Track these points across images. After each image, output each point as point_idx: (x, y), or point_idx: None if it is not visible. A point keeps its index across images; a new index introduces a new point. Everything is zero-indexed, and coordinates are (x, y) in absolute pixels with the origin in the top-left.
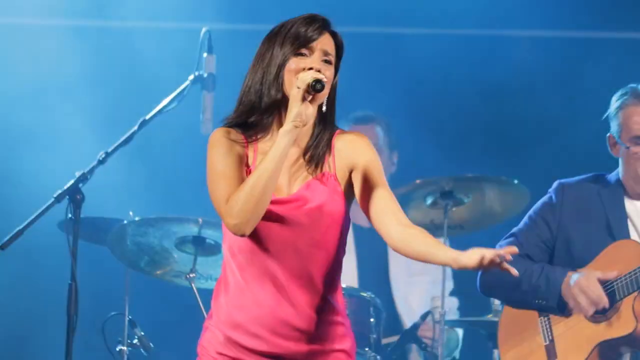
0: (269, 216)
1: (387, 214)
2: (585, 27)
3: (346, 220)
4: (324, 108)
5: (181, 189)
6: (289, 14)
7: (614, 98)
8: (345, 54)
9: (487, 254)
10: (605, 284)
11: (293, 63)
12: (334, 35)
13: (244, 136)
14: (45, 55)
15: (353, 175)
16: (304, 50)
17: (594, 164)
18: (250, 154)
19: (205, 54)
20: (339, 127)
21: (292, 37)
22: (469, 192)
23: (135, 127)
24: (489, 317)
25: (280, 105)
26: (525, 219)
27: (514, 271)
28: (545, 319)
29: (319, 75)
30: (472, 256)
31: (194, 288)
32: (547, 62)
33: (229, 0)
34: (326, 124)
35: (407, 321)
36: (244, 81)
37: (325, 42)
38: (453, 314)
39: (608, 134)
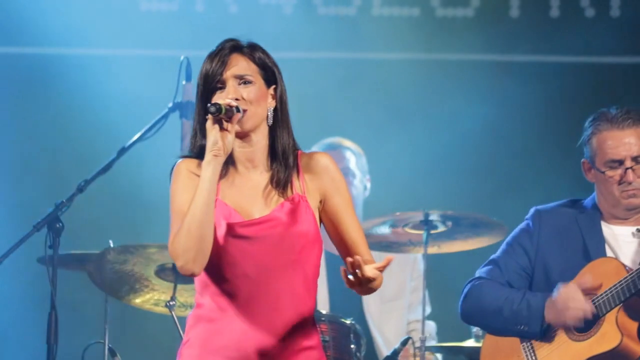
0: (243, 239)
1: (354, 249)
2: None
3: (319, 242)
4: (269, 122)
5: (161, 216)
6: (267, 40)
7: (587, 124)
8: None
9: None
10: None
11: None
12: (246, 52)
13: None
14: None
15: (323, 202)
16: (218, 85)
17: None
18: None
19: (183, 82)
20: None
21: (202, 80)
22: (448, 222)
23: (115, 155)
24: (470, 342)
25: None
26: (504, 245)
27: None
28: (528, 344)
29: (215, 100)
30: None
31: (174, 316)
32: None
33: (208, 27)
34: (279, 141)
35: (383, 348)
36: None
37: (235, 67)
38: (432, 339)
39: (582, 160)
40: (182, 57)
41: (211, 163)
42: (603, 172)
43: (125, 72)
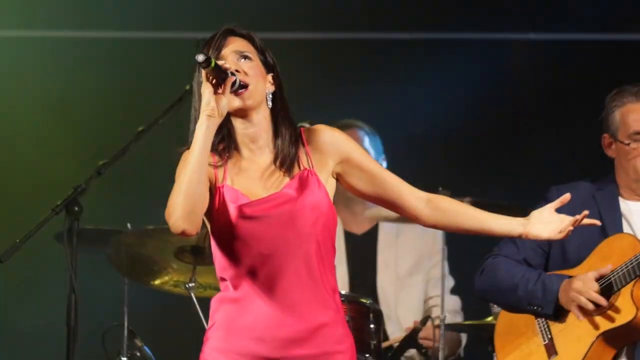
0: (254, 219)
1: (404, 200)
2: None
3: (332, 214)
4: (269, 104)
5: None
6: (288, 20)
7: (609, 98)
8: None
9: (563, 225)
10: (601, 279)
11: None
12: (245, 36)
13: (213, 157)
14: (39, 68)
15: (343, 170)
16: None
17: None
18: (220, 174)
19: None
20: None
21: (198, 71)
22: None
23: (132, 138)
24: (489, 320)
25: (222, 125)
26: None
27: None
28: (543, 320)
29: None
30: (545, 228)
31: (194, 297)
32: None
33: (228, 9)
34: (281, 123)
35: (393, 327)
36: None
37: (233, 44)
38: (457, 314)
39: (603, 135)
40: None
41: (204, 123)
42: (628, 144)
43: (142, 55)
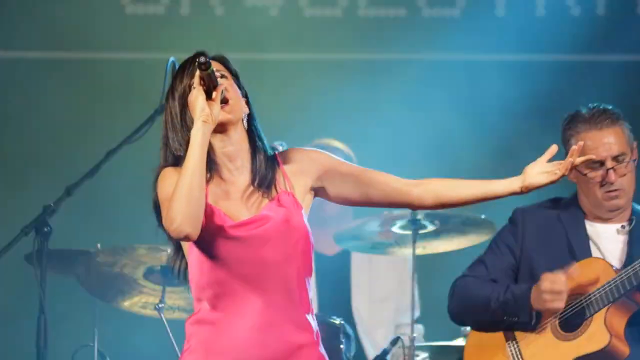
0: (236, 240)
1: (393, 187)
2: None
3: (309, 236)
4: (245, 125)
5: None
6: (253, 42)
7: (564, 124)
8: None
9: (557, 167)
10: (574, 304)
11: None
12: (219, 59)
13: None
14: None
15: (325, 183)
16: (193, 81)
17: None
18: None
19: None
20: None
21: (178, 82)
22: (436, 221)
23: (102, 158)
24: (459, 341)
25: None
26: (490, 245)
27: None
28: (514, 343)
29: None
30: (541, 176)
31: (163, 318)
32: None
33: (194, 30)
34: (256, 144)
35: (371, 349)
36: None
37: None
38: (419, 341)
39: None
40: (169, 60)
41: (201, 129)
42: (585, 174)
43: (111, 75)
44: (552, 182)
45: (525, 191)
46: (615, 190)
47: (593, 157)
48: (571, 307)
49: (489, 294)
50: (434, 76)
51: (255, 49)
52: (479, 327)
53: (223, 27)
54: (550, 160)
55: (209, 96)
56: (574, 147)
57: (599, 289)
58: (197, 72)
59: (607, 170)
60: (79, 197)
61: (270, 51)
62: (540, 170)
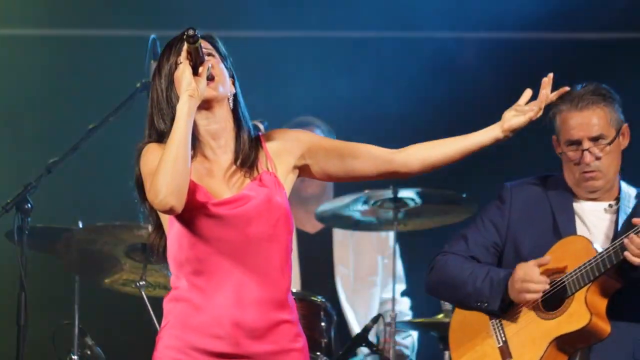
0: (217, 218)
1: (377, 156)
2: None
3: (290, 215)
4: (230, 105)
5: (129, 196)
6: (237, 19)
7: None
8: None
9: (536, 105)
10: (556, 282)
11: (176, 73)
12: (207, 38)
13: None
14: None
15: (308, 161)
16: (180, 58)
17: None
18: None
19: (152, 62)
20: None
21: (165, 59)
22: (417, 200)
23: (83, 135)
24: (440, 317)
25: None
26: (474, 220)
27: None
28: (497, 321)
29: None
30: (521, 116)
31: (144, 296)
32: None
33: (177, 7)
34: (241, 123)
35: (355, 326)
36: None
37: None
38: (405, 315)
39: (553, 136)
40: (150, 37)
41: (187, 103)
42: (564, 152)
43: (92, 53)
44: (531, 119)
45: (507, 134)
46: (592, 171)
47: (567, 88)
48: (553, 285)
49: (466, 276)
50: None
51: (240, 25)
52: (452, 303)
53: (206, 4)
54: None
55: (195, 72)
56: (544, 78)
57: (580, 267)
58: (185, 46)
59: (583, 151)
60: (60, 175)
61: (256, 28)
62: (517, 112)
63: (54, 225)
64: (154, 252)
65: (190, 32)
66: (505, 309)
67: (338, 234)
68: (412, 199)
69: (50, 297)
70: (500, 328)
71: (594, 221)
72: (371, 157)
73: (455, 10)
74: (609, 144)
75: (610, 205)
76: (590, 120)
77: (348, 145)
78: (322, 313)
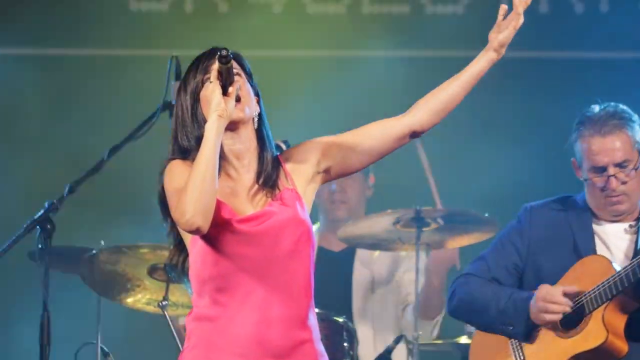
0: (241, 235)
1: (388, 127)
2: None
3: (312, 232)
4: (255, 124)
5: (152, 216)
6: (256, 39)
7: (576, 122)
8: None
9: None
10: (573, 299)
11: (204, 95)
12: (235, 57)
13: None
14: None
15: (329, 162)
16: (207, 77)
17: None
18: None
19: (173, 81)
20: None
21: (191, 77)
22: (439, 219)
23: (105, 155)
24: (462, 339)
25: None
26: (495, 242)
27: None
28: (515, 340)
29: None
30: (506, 30)
31: (167, 315)
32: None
33: (198, 27)
34: (265, 144)
35: (371, 345)
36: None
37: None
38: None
39: (572, 159)
40: (171, 56)
41: (215, 123)
42: (588, 178)
43: (114, 72)
44: (516, 28)
45: (500, 51)
46: (617, 196)
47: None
48: (573, 303)
49: (489, 299)
50: (437, 73)
51: (258, 45)
52: (476, 326)
53: (226, 24)
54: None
55: (224, 91)
56: None
57: (597, 286)
58: (216, 65)
59: (609, 177)
60: (82, 194)
61: (273, 48)
62: (501, 29)
63: (77, 245)
64: (174, 268)
65: (224, 52)
66: (529, 332)
67: (359, 254)
68: (434, 219)
69: (72, 317)
70: (519, 348)
71: (614, 242)
72: (384, 132)
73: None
74: (635, 168)
75: (630, 226)
76: (615, 146)
77: (359, 132)
78: (344, 333)
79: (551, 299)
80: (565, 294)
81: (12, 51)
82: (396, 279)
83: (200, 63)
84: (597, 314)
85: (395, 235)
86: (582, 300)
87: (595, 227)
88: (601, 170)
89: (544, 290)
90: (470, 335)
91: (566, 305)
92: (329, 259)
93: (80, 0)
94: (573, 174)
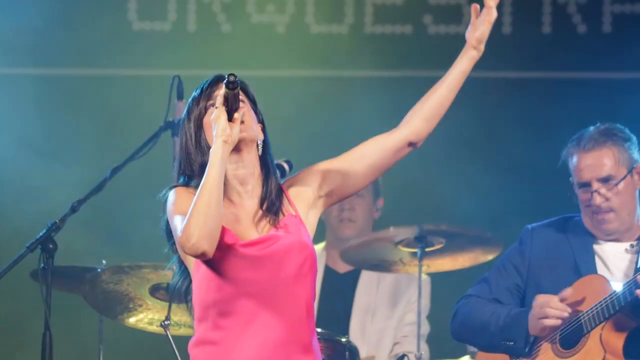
0: (245, 259)
1: (385, 142)
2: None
3: (316, 258)
4: (259, 150)
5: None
6: (260, 59)
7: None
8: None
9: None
10: (572, 320)
11: (207, 120)
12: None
13: None
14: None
15: (330, 186)
16: (210, 103)
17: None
18: None
19: (175, 100)
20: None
21: (195, 104)
22: (442, 239)
23: (107, 175)
24: (464, 359)
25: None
26: (497, 264)
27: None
28: (517, 359)
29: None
30: (481, 27)
31: (169, 335)
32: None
33: (200, 47)
34: (269, 170)
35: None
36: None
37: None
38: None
39: (570, 178)
40: (173, 75)
41: (220, 148)
42: (577, 195)
43: (117, 92)
44: (491, 22)
45: (479, 47)
46: (605, 213)
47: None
48: (570, 324)
49: (488, 317)
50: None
51: (262, 65)
52: (479, 347)
53: (229, 44)
54: None
55: (229, 117)
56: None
57: (595, 305)
58: (223, 91)
59: (592, 193)
60: (84, 214)
61: (276, 68)
62: (476, 27)
63: (79, 265)
64: (177, 295)
65: (232, 78)
66: (530, 348)
67: (365, 278)
68: (437, 239)
69: (74, 337)
70: None
71: (614, 262)
72: (381, 148)
73: None
74: (617, 184)
75: (632, 246)
76: (599, 162)
77: (355, 152)
78: (346, 353)
79: (548, 305)
80: (562, 300)
81: (12, 71)
82: (397, 312)
83: (204, 90)
84: (595, 334)
85: (397, 256)
86: (581, 320)
87: (595, 247)
88: (586, 185)
89: (541, 298)
90: (473, 355)
91: (564, 310)
92: (333, 280)
93: (82, 20)
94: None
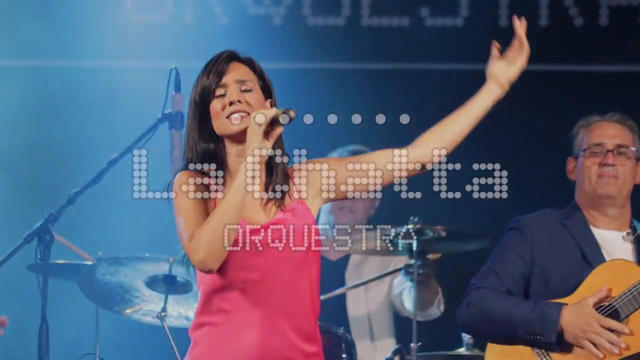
0: (252, 244)
1: (395, 160)
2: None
3: (320, 245)
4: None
5: (151, 227)
6: (256, 51)
7: (577, 124)
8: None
9: (519, 47)
10: (605, 306)
11: (214, 107)
12: (245, 61)
13: (209, 180)
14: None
15: (338, 185)
16: (219, 91)
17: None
18: (220, 197)
19: (172, 92)
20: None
21: (201, 85)
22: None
23: (104, 166)
24: (461, 350)
25: (217, 152)
26: (497, 253)
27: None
28: (542, 350)
29: (289, 113)
30: (513, 65)
31: (166, 327)
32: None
33: (198, 38)
34: (277, 156)
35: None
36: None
37: (235, 72)
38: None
39: (568, 158)
40: (171, 67)
41: (251, 168)
42: (585, 156)
43: (114, 84)
44: (527, 56)
45: (507, 87)
46: (610, 175)
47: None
48: (603, 311)
49: (511, 309)
50: (437, 85)
51: (258, 58)
52: (493, 340)
53: (226, 36)
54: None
55: (267, 135)
56: (517, 22)
57: (629, 289)
58: (279, 118)
59: (607, 151)
60: (81, 205)
61: (273, 60)
62: (504, 64)
63: (75, 262)
64: (185, 269)
65: (292, 113)
66: (559, 340)
67: (351, 261)
68: (432, 229)
69: (71, 328)
70: (545, 353)
71: (615, 248)
72: (395, 165)
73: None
74: (629, 157)
75: (628, 234)
76: (617, 131)
77: (366, 160)
78: (343, 345)
79: (594, 331)
80: (599, 299)
81: (9, 62)
82: (386, 280)
83: (215, 66)
84: (635, 318)
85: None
86: (615, 306)
87: (596, 235)
88: (600, 147)
89: (582, 322)
90: (468, 347)
91: (616, 346)
92: (325, 267)
93: (79, 11)
94: (567, 185)
